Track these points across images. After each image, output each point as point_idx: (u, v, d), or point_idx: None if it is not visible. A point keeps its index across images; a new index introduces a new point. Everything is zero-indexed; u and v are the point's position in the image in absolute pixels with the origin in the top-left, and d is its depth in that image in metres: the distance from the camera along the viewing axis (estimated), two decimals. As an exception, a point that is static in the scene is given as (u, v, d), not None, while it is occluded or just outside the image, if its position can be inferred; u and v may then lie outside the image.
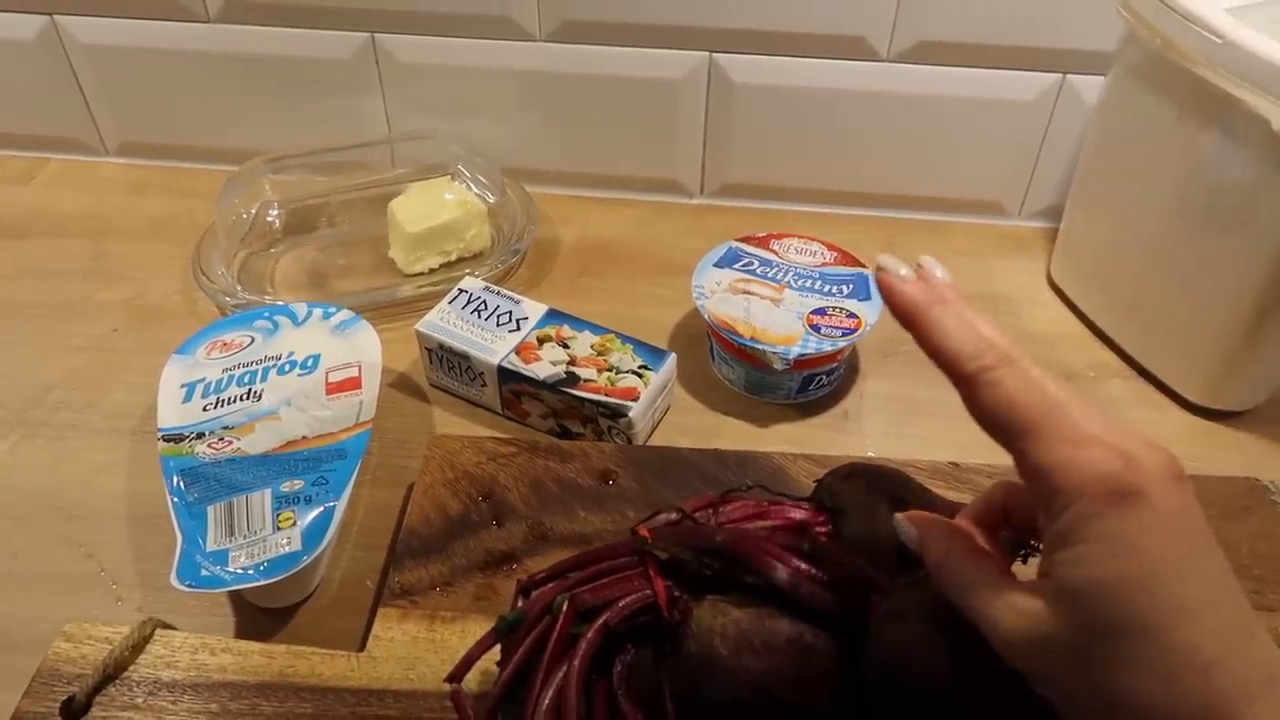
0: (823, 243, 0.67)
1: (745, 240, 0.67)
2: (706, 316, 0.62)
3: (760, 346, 0.60)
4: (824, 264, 0.66)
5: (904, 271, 0.34)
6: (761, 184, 0.81)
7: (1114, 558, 0.27)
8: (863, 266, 0.66)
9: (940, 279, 0.34)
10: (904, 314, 0.34)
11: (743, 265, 0.65)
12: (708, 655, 0.39)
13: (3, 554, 0.54)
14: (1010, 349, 0.31)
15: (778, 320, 0.61)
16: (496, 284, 0.69)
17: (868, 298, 0.63)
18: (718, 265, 0.65)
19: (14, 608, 0.52)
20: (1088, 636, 0.28)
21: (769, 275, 0.65)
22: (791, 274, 0.65)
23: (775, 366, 0.60)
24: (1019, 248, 0.79)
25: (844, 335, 0.60)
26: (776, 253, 0.66)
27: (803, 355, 0.59)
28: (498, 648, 0.41)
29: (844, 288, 0.64)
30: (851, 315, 0.62)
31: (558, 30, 0.74)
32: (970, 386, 0.32)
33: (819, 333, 0.60)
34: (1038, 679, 0.29)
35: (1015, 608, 0.30)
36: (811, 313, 0.62)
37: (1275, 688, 0.27)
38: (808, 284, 0.64)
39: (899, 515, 0.39)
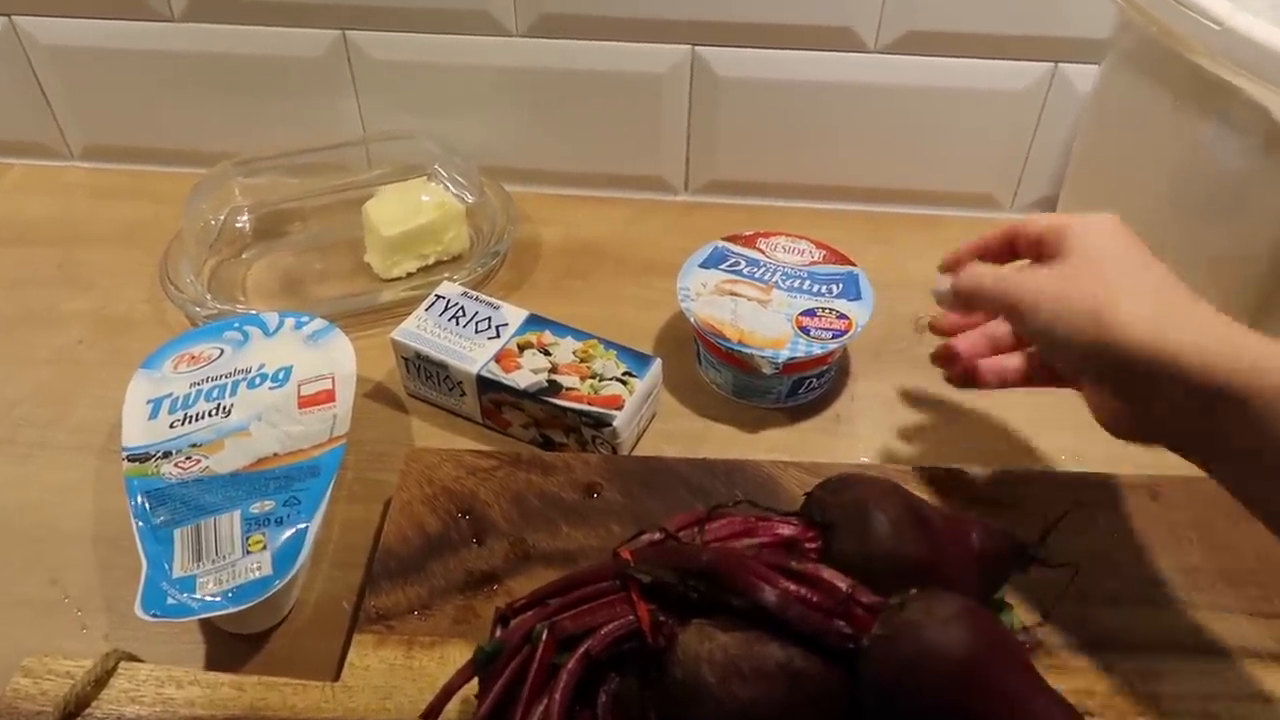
0: (811, 240, 0.65)
1: (731, 240, 0.65)
2: (692, 320, 0.60)
3: (748, 351, 0.58)
4: (812, 263, 0.64)
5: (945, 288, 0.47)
6: (748, 180, 0.79)
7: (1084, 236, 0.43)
8: (852, 264, 0.63)
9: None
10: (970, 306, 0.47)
11: (729, 265, 0.63)
12: (694, 682, 0.38)
13: (-36, 580, 0.52)
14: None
15: (766, 322, 0.59)
16: (476, 287, 0.67)
17: (858, 297, 0.61)
18: (703, 266, 0.63)
19: (-25, 636, 0.50)
20: (1072, 269, 0.42)
21: (756, 275, 0.62)
22: (779, 274, 0.63)
23: (764, 371, 0.58)
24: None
25: (834, 337, 0.58)
26: (764, 252, 0.64)
27: (792, 359, 0.57)
28: (477, 679, 0.39)
29: (833, 287, 0.62)
30: (841, 316, 0.60)
31: (536, 24, 0.72)
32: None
33: (808, 335, 0.59)
34: (1044, 321, 0.41)
35: (1034, 274, 0.44)
36: (800, 314, 0.60)
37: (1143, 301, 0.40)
38: (796, 284, 0.62)
39: (938, 286, 0.48)
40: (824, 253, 0.64)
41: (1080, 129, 0.68)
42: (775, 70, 0.72)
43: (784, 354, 0.57)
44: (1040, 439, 0.60)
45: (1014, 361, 0.50)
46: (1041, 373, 0.49)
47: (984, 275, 0.45)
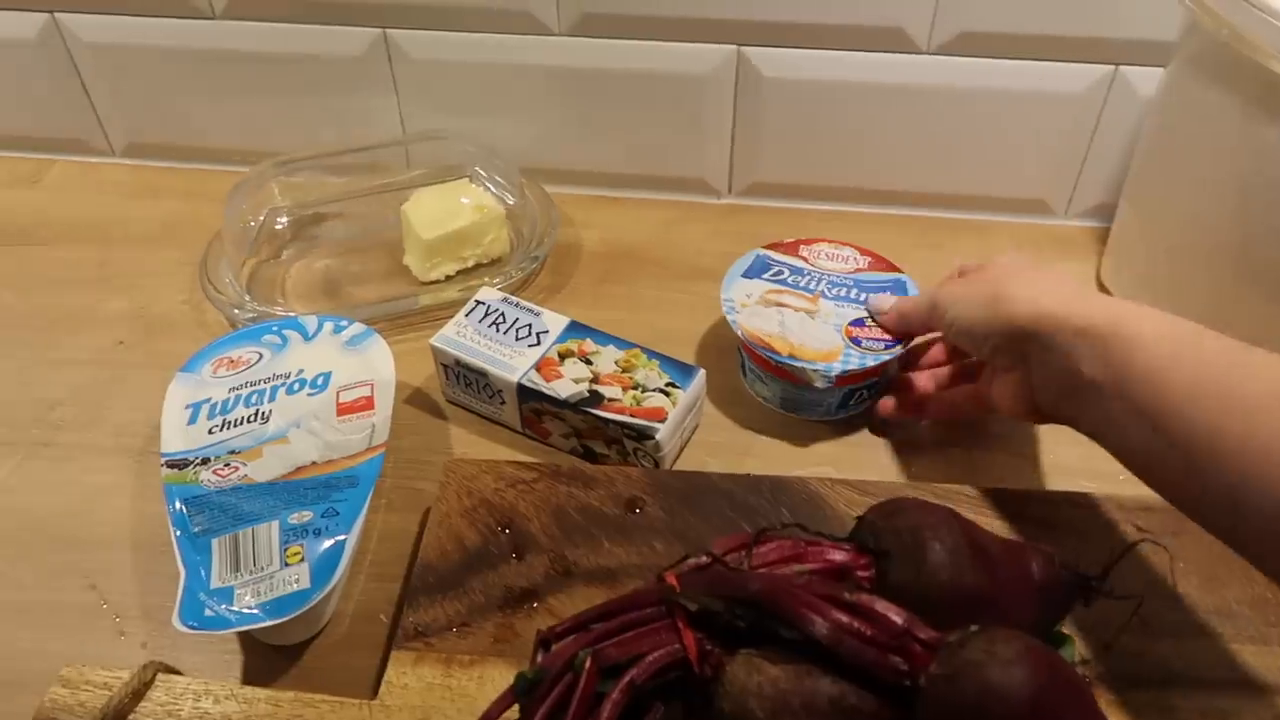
0: (855, 247, 0.63)
1: (773, 247, 0.63)
2: (739, 333, 0.58)
3: (800, 364, 0.56)
4: (858, 270, 0.62)
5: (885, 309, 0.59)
6: (792, 183, 0.77)
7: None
8: (898, 271, 0.62)
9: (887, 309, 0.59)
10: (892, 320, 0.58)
11: (772, 275, 0.61)
12: (742, 715, 0.37)
13: (4, 583, 0.52)
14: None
15: (815, 334, 0.57)
16: (516, 291, 0.67)
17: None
18: (746, 275, 0.61)
19: (14, 640, 0.50)
20: (976, 274, 0.54)
21: (801, 285, 0.61)
22: (825, 282, 0.61)
23: (816, 384, 0.57)
24: (1066, 248, 0.75)
25: (887, 348, 0.57)
26: (806, 259, 0.62)
27: (845, 371, 0.56)
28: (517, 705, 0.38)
29: (884, 294, 0.60)
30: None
31: (578, 23, 0.70)
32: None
33: (860, 346, 0.57)
34: (956, 310, 0.52)
35: (949, 282, 0.56)
36: (850, 324, 0.58)
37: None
38: (843, 292, 0.60)
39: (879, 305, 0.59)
40: (869, 259, 0.63)
41: (1142, 134, 0.65)
42: (823, 71, 0.70)
43: (837, 367, 0.56)
44: (1097, 458, 0.57)
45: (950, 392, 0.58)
46: (962, 386, 0.57)
47: (906, 299, 0.58)
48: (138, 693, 0.43)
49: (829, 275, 0.61)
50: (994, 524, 0.50)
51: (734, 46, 0.70)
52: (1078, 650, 0.44)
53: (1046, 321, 0.45)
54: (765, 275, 0.61)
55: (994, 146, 0.73)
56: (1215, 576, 0.48)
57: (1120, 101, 0.69)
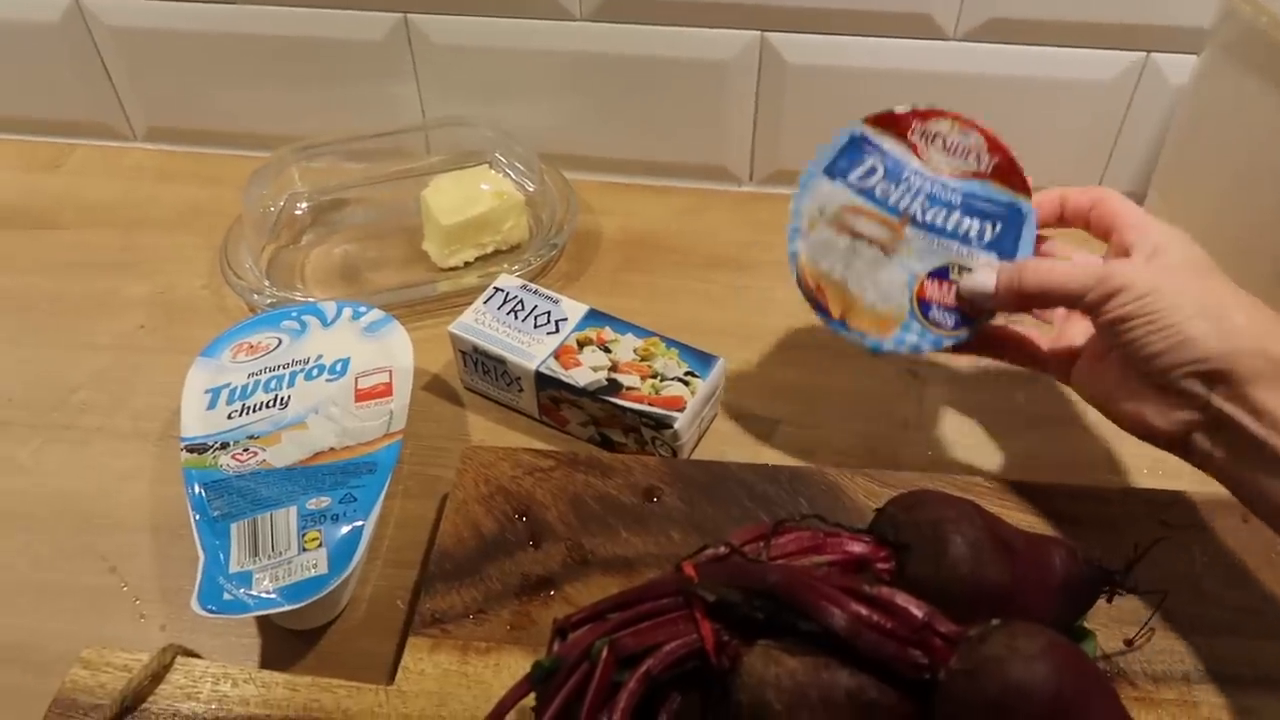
0: (985, 133, 0.48)
1: (879, 122, 0.49)
2: (794, 270, 0.48)
3: (846, 333, 0.48)
4: (976, 173, 0.48)
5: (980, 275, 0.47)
6: (814, 170, 0.76)
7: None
8: (1025, 191, 0.48)
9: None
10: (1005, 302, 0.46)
11: (861, 176, 0.49)
12: (759, 708, 0.36)
13: (25, 565, 0.53)
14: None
15: (881, 284, 0.47)
16: (534, 278, 0.66)
17: (1013, 252, 0.47)
18: (830, 173, 0.49)
19: (36, 622, 0.50)
20: (1178, 265, 0.43)
21: (891, 200, 0.48)
22: (924, 195, 0.48)
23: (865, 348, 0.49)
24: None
25: (955, 325, 0.47)
26: (917, 149, 0.49)
27: (895, 351, 0.48)
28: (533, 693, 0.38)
29: (986, 229, 0.47)
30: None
31: (599, 8, 0.70)
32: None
33: (926, 317, 0.47)
34: (1157, 308, 0.41)
35: (1132, 263, 0.44)
36: (928, 275, 0.47)
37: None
38: (940, 217, 0.48)
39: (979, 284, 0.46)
40: (996, 160, 0.48)
41: (1174, 123, 0.64)
42: (848, 58, 0.69)
43: (888, 343, 0.48)
44: (1121, 450, 0.57)
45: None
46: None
47: (1055, 268, 0.44)
48: (157, 675, 0.43)
49: (934, 181, 0.48)
50: (1016, 517, 0.49)
51: (757, 32, 0.69)
52: (1100, 646, 0.43)
53: (1273, 366, 0.38)
54: (853, 175, 0.49)
55: (1021, 134, 0.71)
56: (1240, 572, 0.47)
57: (1151, 89, 0.68)
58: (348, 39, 0.74)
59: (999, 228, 0.47)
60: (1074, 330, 0.49)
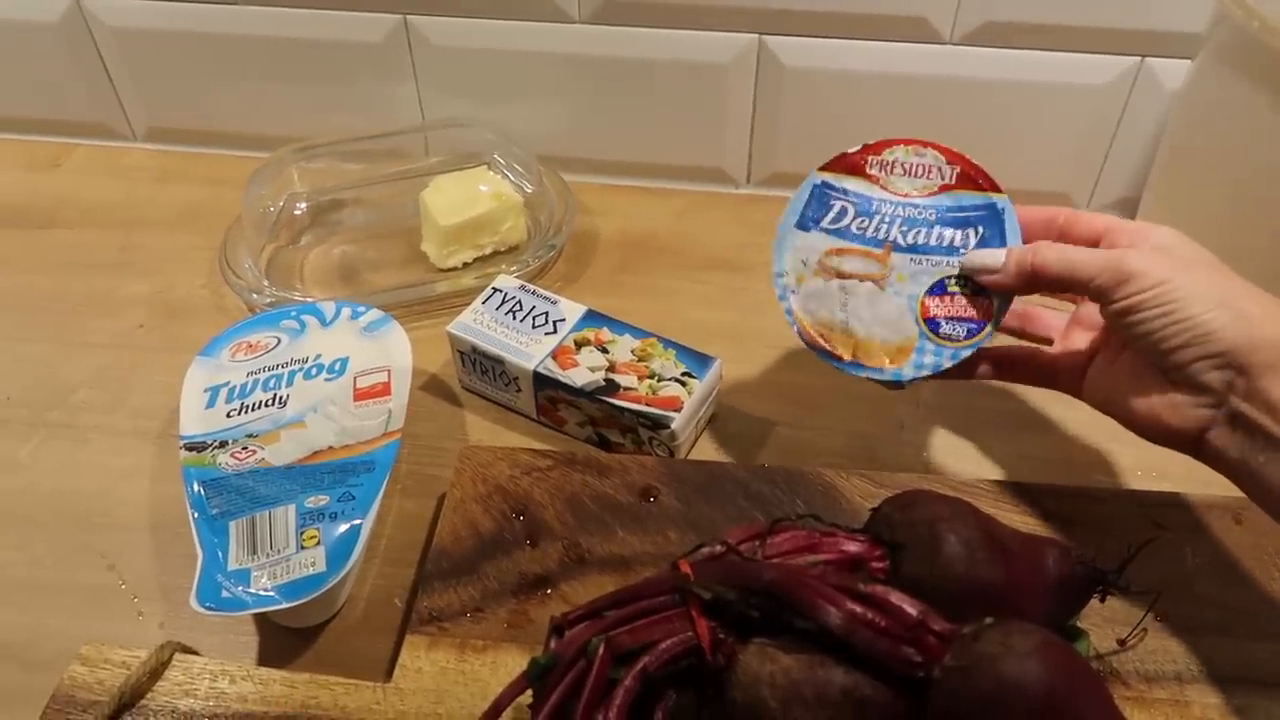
0: (939, 149, 0.49)
1: (834, 167, 0.50)
2: (795, 329, 0.48)
3: (865, 373, 0.48)
4: (941, 188, 0.48)
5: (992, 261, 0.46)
6: (811, 173, 0.77)
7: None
8: (996, 190, 0.48)
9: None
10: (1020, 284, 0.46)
11: (834, 219, 0.49)
12: (754, 705, 0.36)
13: (24, 563, 0.53)
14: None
15: (884, 317, 0.47)
16: (533, 279, 0.67)
17: (1003, 243, 0.47)
18: (802, 225, 0.49)
19: (35, 619, 0.50)
20: (1182, 256, 0.42)
21: (869, 232, 0.48)
22: (899, 222, 0.48)
23: (888, 385, 0.49)
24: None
25: (970, 333, 0.47)
26: (877, 180, 0.49)
27: (917, 378, 0.47)
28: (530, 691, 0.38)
29: (970, 234, 0.47)
30: (978, 293, 0.47)
31: (598, 11, 0.70)
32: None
33: (938, 334, 0.47)
34: (1167, 295, 0.41)
35: (1139, 253, 0.43)
36: (926, 294, 0.47)
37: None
38: (920, 236, 0.48)
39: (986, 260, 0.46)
40: (957, 170, 0.48)
41: (1168, 128, 0.65)
42: (845, 61, 0.70)
43: (908, 372, 0.47)
44: (1115, 452, 0.57)
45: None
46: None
47: (1068, 249, 0.44)
48: (155, 672, 0.44)
49: (905, 205, 0.48)
50: (1010, 517, 0.49)
51: (755, 35, 0.70)
52: (1093, 645, 0.44)
53: None
54: (825, 222, 0.49)
55: (1017, 139, 0.72)
56: (1232, 573, 0.48)
57: (1146, 94, 0.68)
58: (347, 40, 0.74)
59: (982, 230, 0.47)
60: (1077, 337, 0.49)
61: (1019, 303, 0.49)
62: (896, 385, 0.49)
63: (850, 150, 0.50)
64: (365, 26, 0.73)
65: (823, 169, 0.50)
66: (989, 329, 0.47)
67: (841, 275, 0.48)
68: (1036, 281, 0.45)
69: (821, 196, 0.50)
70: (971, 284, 0.47)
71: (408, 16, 0.72)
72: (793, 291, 0.49)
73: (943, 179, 0.48)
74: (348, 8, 0.72)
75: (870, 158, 0.49)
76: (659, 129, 0.76)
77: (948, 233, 0.48)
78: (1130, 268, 0.41)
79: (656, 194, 0.78)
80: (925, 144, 0.49)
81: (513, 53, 0.73)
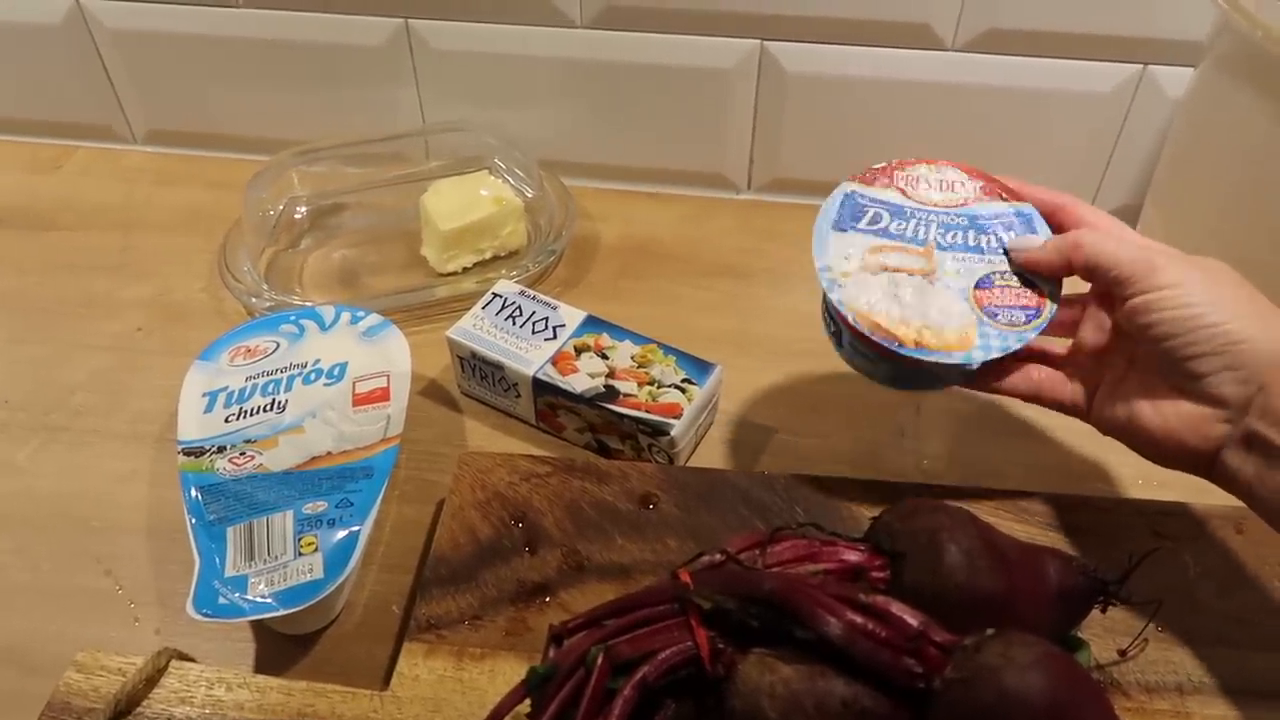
0: (959, 167, 0.51)
1: (862, 179, 0.51)
2: (852, 319, 0.46)
3: (934, 358, 0.45)
4: (969, 200, 0.50)
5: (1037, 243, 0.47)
6: (812, 179, 0.77)
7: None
8: (1019, 198, 0.49)
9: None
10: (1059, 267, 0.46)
11: (870, 223, 0.49)
12: (754, 715, 0.36)
13: (22, 567, 0.53)
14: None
15: (940, 306, 0.46)
16: (533, 284, 0.66)
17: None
18: (839, 228, 0.49)
19: (31, 624, 0.50)
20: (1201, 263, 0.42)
21: (908, 233, 0.48)
22: (935, 225, 0.49)
23: (953, 381, 0.48)
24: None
25: (1029, 318, 0.46)
26: (905, 192, 0.50)
27: (988, 361, 0.45)
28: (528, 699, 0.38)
29: (1004, 236, 0.48)
30: (1027, 283, 0.47)
31: (600, 16, 0.70)
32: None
33: (997, 320, 0.46)
34: (1195, 294, 0.41)
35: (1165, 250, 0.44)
36: (976, 287, 0.47)
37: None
38: (959, 237, 0.48)
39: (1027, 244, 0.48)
40: (980, 184, 0.50)
41: (1170, 136, 0.65)
42: (847, 67, 0.70)
43: (978, 355, 0.45)
44: (1116, 461, 0.57)
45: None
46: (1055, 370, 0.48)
47: (1104, 236, 0.45)
48: (151, 679, 0.43)
49: (937, 213, 0.49)
50: (1012, 527, 0.49)
51: (757, 41, 0.70)
52: (1093, 656, 0.43)
53: None
54: (862, 224, 0.49)
55: (1018, 145, 0.72)
56: (1233, 583, 0.47)
57: (1148, 102, 0.68)
58: (348, 44, 0.74)
59: (1014, 232, 0.48)
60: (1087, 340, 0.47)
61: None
62: (964, 373, 0.48)
63: (875, 165, 0.51)
64: (366, 30, 0.73)
65: (852, 179, 0.51)
66: (1047, 313, 0.47)
67: (888, 269, 0.48)
68: (1075, 260, 0.45)
69: (853, 202, 0.50)
70: (1018, 278, 0.47)
71: (409, 20, 0.72)
72: (839, 285, 0.47)
73: (968, 192, 0.50)
74: (349, 11, 0.72)
75: (896, 173, 0.51)
76: (660, 134, 0.76)
77: (984, 236, 0.48)
78: (1161, 261, 0.42)
79: (657, 199, 0.78)
80: (945, 163, 0.51)
81: (514, 57, 0.73)
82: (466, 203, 0.68)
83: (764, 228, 0.75)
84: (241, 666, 0.48)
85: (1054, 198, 0.49)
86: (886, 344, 0.46)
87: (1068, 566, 0.41)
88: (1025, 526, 0.50)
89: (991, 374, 0.48)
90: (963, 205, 0.49)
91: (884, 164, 0.51)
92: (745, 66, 0.71)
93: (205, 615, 0.44)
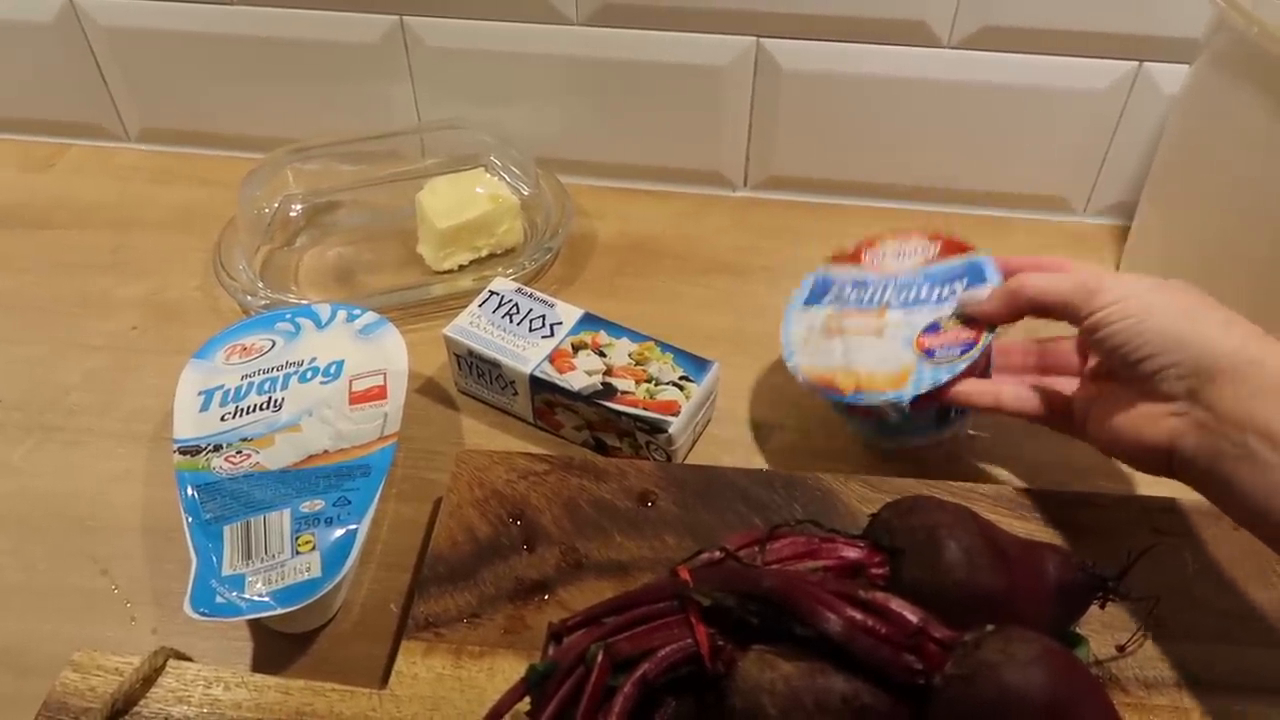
0: (922, 235, 0.56)
1: (837, 260, 0.57)
2: (801, 380, 0.52)
3: (865, 399, 0.50)
4: (926, 261, 0.54)
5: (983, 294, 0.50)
6: (809, 177, 0.77)
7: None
8: (970, 249, 0.54)
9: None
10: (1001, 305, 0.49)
11: (835, 295, 0.55)
12: (754, 712, 0.36)
13: (17, 567, 0.52)
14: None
15: (883, 355, 0.51)
16: (529, 282, 0.66)
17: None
18: (809, 303, 0.56)
19: (27, 624, 0.50)
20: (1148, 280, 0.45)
21: (866, 299, 0.54)
22: (892, 289, 0.54)
23: (891, 417, 0.51)
24: (1084, 246, 0.74)
25: (963, 352, 0.50)
26: (870, 264, 0.56)
27: (916, 396, 0.49)
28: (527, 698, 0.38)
29: (956, 286, 0.52)
30: (968, 324, 0.51)
31: (596, 13, 0.70)
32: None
33: (933, 359, 0.50)
34: (1134, 309, 0.43)
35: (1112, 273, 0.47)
36: (923, 333, 0.51)
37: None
38: (912, 294, 0.53)
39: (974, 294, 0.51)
40: (938, 245, 0.55)
41: (1165, 133, 0.65)
42: (843, 65, 0.70)
43: (907, 392, 0.49)
44: (1113, 460, 0.57)
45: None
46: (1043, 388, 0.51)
47: (1043, 274, 0.48)
48: (148, 679, 0.43)
49: (896, 278, 0.54)
50: (1010, 523, 0.49)
51: (753, 38, 0.69)
52: (1092, 651, 0.43)
53: (1253, 368, 0.40)
54: (826, 299, 0.55)
55: (1014, 142, 0.72)
56: (1233, 579, 0.47)
57: (1143, 98, 0.68)
58: (343, 41, 0.74)
59: (967, 281, 0.52)
60: (1064, 384, 0.51)
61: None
62: (898, 411, 0.51)
63: (848, 250, 0.57)
64: (361, 27, 0.73)
65: (827, 262, 0.57)
66: (981, 344, 0.50)
67: (843, 332, 0.53)
68: (1018, 303, 0.49)
69: (824, 282, 0.56)
70: (962, 320, 0.51)
71: (404, 17, 0.72)
72: (796, 354, 0.54)
73: (928, 254, 0.55)
74: (343, 8, 0.72)
75: (865, 251, 0.56)
76: (656, 132, 0.76)
77: (937, 289, 0.53)
78: (1098, 284, 0.45)
79: (654, 197, 0.78)
80: (910, 233, 0.56)
81: (510, 54, 0.73)
82: (462, 200, 0.68)
83: (761, 225, 0.75)
84: (239, 665, 0.47)
85: (1028, 260, 0.52)
86: (826, 393, 0.52)
87: (1067, 562, 0.41)
88: (1024, 523, 0.50)
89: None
90: (921, 268, 0.54)
91: (854, 246, 0.57)
92: (741, 64, 0.71)
93: (202, 614, 0.44)
